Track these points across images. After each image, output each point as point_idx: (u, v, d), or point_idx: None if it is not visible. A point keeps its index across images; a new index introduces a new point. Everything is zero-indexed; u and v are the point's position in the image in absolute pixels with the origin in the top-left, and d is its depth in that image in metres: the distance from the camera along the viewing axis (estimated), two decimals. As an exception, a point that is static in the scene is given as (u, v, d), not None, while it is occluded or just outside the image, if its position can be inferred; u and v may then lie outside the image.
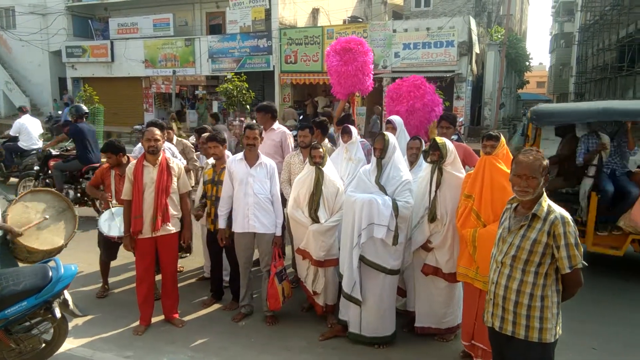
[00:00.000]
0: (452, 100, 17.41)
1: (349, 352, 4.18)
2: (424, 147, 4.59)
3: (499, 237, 2.87)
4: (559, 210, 2.66)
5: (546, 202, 2.69)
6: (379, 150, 4.17)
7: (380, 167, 4.16)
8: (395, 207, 3.97)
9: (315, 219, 4.43)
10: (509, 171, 3.72)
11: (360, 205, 4.00)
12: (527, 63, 29.09)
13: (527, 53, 28.41)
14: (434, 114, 5.86)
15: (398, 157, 4.22)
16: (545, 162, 2.70)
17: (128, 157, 5.28)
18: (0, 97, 25.80)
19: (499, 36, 20.36)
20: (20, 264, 4.49)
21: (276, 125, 5.77)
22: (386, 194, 4.06)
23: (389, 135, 4.24)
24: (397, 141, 5.01)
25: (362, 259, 4.09)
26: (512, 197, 2.87)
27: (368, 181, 4.16)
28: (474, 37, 17.62)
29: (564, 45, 47.97)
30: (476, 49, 18.15)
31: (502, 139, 3.97)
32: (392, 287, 4.21)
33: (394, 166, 4.15)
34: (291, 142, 5.78)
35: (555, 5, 51.62)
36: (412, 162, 4.58)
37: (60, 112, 20.98)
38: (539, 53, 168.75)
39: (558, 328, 2.73)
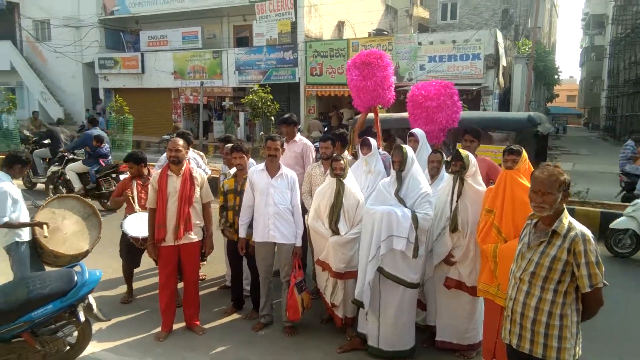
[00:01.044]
0: (478, 113, 17.25)
1: (367, 365, 4.16)
2: (445, 160, 4.58)
3: (518, 252, 2.83)
4: (580, 228, 2.61)
5: (567, 218, 2.65)
6: (397, 163, 4.19)
7: (400, 180, 4.17)
8: (415, 219, 3.97)
9: (335, 231, 4.45)
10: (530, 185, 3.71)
11: (379, 217, 4.00)
12: (556, 76, 28.65)
13: (556, 66, 27.99)
14: (457, 116, 5.91)
15: (417, 169, 4.24)
16: (564, 177, 2.65)
17: (149, 169, 5.49)
18: (36, 107, 26.65)
19: (527, 49, 20.11)
20: (47, 268, 4.65)
21: (298, 137, 5.84)
22: (405, 207, 4.07)
23: (407, 148, 4.26)
24: (420, 154, 5.04)
25: (381, 271, 4.08)
26: (532, 212, 2.84)
27: (387, 194, 4.17)
28: (501, 50, 17.48)
29: (594, 58, 47.19)
30: (503, 62, 17.98)
31: (524, 153, 3.92)
32: (411, 301, 4.19)
33: (413, 178, 4.17)
34: (313, 153, 5.83)
35: (585, 18, 50.86)
36: (433, 176, 4.57)
37: (91, 122, 21.57)
38: (570, 66, 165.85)
39: (578, 349, 2.66)
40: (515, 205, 3.71)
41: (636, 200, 7.39)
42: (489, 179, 5.05)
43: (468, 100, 15.78)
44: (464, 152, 4.14)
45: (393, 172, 4.26)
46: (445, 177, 4.40)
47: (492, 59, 16.93)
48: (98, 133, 9.81)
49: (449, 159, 4.28)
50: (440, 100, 5.82)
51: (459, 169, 4.09)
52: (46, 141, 11.23)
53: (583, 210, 8.22)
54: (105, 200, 8.96)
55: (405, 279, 4.07)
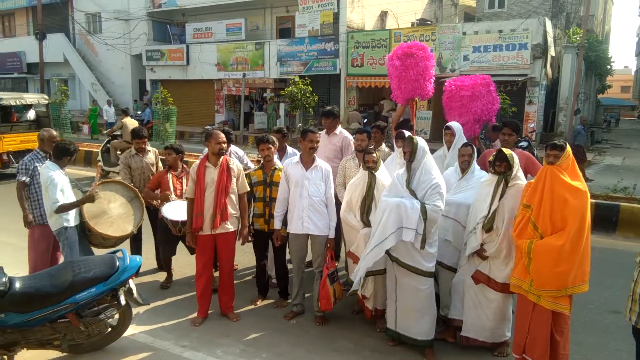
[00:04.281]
0: (523, 105, 16.72)
1: (395, 357, 4.19)
2: (475, 154, 4.51)
3: None
4: None
5: None
6: (408, 153, 4.16)
7: (409, 171, 4.16)
8: (424, 211, 3.95)
9: (366, 223, 4.47)
10: (572, 182, 3.61)
11: (389, 209, 4.00)
12: (609, 67, 27.33)
13: (609, 56, 26.71)
14: (493, 107, 5.87)
15: (429, 160, 4.20)
16: None
17: (183, 164, 5.78)
18: (87, 98, 27.74)
19: (577, 38, 19.25)
20: (95, 249, 4.91)
21: (338, 129, 5.86)
22: (416, 198, 4.05)
23: (417, 138, 4.22)
24: (456, 147, 4.98)
25: (396, 261, 4.14)
26: None
27: (400, 185, 4.16)
28: (550, 39, 16.84)
29: (652, 47, 44.74)
30: (551, 52, 17.34)
31: (568, 148, 3.75)
32: (428, 289, 4.16)
33: (425, 170, 4.13)
34: (352, 146, 5.82)
35: (643, 5, 48.25)
36: (464, 169, 4.51)
37: (139, 112, 22.29)
38: (625, 56, 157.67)
39: None
40: (554, 202, 3.62)
41: None
42: (526, 173, 4.94)
43: (512, 92, 15.33)
44: (507, 152, 4.03)
45: (404, 163, 4.23)
46: (476, 171, 4.33)
47: (539, 49, 16.34)
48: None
49: (491, 158, 4.15)
50: (474, 89, 5.78)
51: (504, 170, 4.00)
52: (118, 132, 11.33)
53: (629, 207, 7.89)
54: None
55: (421, 267, 4.09)
